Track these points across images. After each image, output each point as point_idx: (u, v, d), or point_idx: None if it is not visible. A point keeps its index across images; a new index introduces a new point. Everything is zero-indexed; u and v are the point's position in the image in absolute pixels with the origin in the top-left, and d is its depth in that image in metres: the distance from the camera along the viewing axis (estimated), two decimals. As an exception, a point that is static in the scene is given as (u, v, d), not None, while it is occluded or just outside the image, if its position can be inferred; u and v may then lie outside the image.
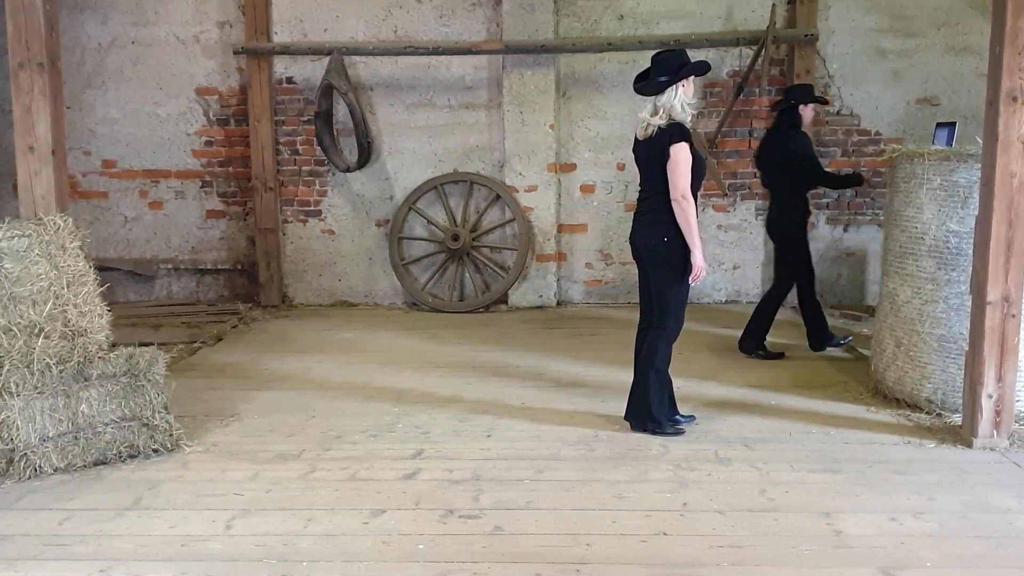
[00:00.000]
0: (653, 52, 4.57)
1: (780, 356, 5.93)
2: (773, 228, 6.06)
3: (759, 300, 6.28)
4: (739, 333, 6.09)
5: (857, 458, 4.14)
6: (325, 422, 4.75)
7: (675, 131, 4.25)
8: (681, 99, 4.28)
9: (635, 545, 3.29)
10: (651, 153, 4.33)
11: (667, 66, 4.30)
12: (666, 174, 4.26)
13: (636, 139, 4.46)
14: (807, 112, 5.86)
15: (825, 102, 6.09)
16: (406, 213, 7.81)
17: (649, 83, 4.33)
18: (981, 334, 4.18)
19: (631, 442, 4.38)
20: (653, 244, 4.38)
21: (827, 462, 4.09)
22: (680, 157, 4.23)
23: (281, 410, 4.96)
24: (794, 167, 5.79)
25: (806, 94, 5.87)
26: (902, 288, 4.86)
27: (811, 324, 6.04)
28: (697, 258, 4.29)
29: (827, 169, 5.84)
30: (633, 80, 4.46)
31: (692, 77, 4.34)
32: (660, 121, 4.28)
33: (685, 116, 4.31)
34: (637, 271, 4.64)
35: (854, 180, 5.99)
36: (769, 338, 6.01)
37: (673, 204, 4.26)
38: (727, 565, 3.14)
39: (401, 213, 7.80)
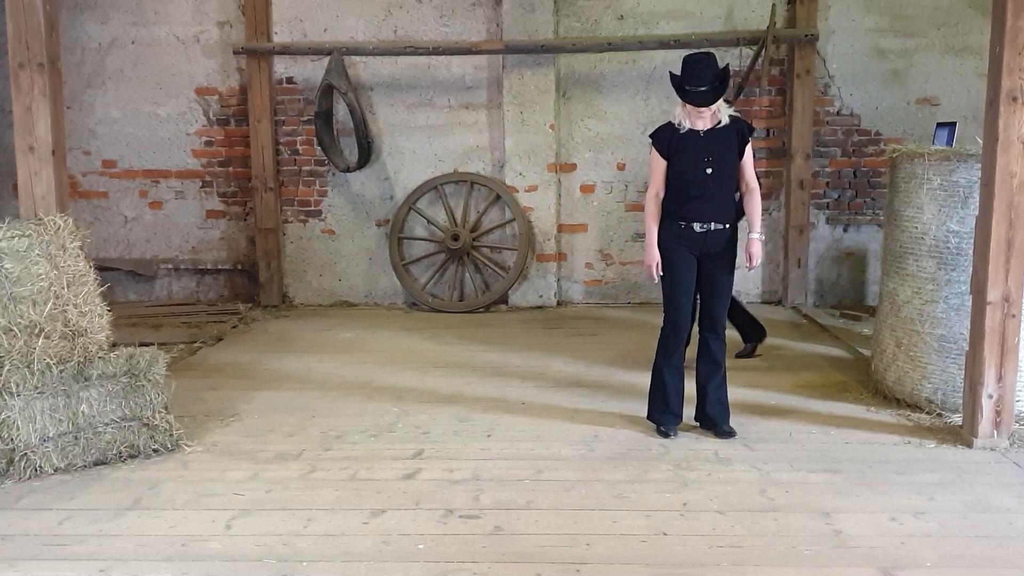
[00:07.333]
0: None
1: (751, 355, 5.94)
2: None
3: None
4: (739, 333, 6.08)
5: (857, 458, 4.13)
6: (325, 422, 4.75)
7: (654, 133, 4.47)
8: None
9: (635, 545, 3.29)
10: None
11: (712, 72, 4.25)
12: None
13: None
14: None
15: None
16: (406, 213, 7.81)
17: (708, 91, 4.24)
18: (981, 334, 4.18)
19: (631, 442, 4.38)
20: None
21: (827, 462, 4.09)
22: (650, 158, 4.47)
23: (281, 410, 4.97)
24: None
25: None
26: (902, 288, 4.86)
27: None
28: (645, 255, 4.50)
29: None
30: (696, 83, 4.24)
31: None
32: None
33: (674, 117, 4.42)
34: None
35: None
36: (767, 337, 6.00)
37: None
38: (727, 565, 3.14)
39: (401, 213, 7.80)
